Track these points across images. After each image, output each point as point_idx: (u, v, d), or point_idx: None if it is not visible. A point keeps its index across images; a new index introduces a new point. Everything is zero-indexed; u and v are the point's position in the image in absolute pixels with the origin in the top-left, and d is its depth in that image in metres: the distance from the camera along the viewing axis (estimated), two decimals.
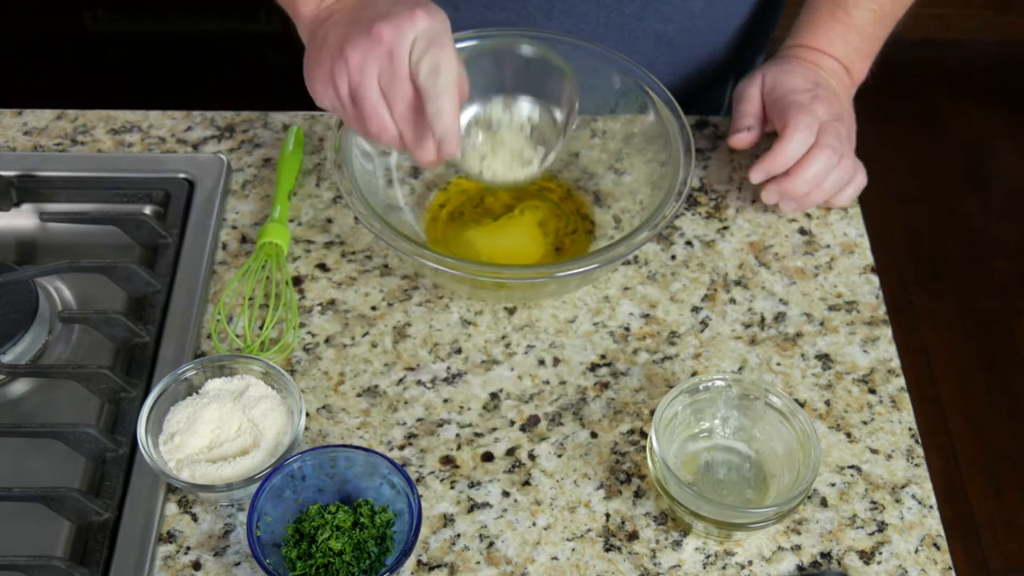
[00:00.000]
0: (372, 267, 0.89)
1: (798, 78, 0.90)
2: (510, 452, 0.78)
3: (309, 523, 0.71)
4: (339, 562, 0.70)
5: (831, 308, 0.87)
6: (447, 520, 0.75)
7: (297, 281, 0.88)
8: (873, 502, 0.77)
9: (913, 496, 0.77)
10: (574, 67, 0.84)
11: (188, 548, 0.73)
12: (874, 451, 0.79)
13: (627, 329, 0.85)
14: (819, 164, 0.86)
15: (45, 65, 2.30)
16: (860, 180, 0.90)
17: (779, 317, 0.86)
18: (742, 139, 0.92)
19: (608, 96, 0.90)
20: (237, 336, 0.83)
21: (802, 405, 0.81)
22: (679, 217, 0.93)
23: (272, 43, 1.14)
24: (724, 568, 0.73)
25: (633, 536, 0.75)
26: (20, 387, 0.82)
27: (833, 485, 0.77)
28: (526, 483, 0.77)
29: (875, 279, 0.89)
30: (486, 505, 0.76)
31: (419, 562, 0.73)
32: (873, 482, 0.77)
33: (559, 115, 0.84)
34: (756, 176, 0.87)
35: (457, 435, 0.79)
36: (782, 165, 0.86)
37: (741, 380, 0.75)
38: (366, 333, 0.85)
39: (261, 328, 0.83)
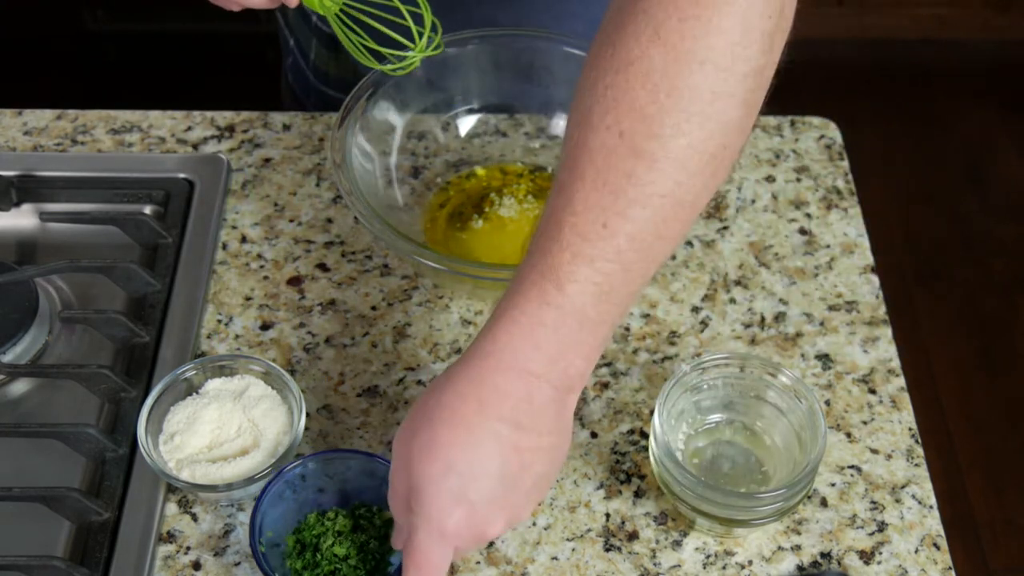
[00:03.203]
0: (372, 267, 0.89)
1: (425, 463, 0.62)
2: None
3: (309, 532, 0.71)
4: (346, 567, 0.70)
5: (831, 308, 0.87)
6: None
7: (297, 281, 0.88)
8: (873, 502, 0.77)
9: (913, 496, 0.77)
10: (574, 67, 0.84)
11: (188, 548, 0.73)
12: (874, 451, 0.79)
13: (627, 329, 0.85)
14: None
15: (45, 65, 2.30)
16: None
17: (779, 317, 0.86)
18: None
19: None
20: None
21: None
22: None
23: (272, 43, 1.14)
24: (724, 568, 0.73)
25: (633, 536, 0.75)
26: (20, 387, 0.82)
27: (833, 485, 0.77)
28: None
29: (875, 279, 0.89)
30: None
31: None
32: (873, 482, 0.77)
33: None
34: None
35: None
36: None
37: (746, 357, 0.75)
38: (366, 333, 0.85)
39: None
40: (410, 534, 0.62)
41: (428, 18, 0.80)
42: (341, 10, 0.80)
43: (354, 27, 0.80)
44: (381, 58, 0.82)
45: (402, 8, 0.78)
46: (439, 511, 0.60)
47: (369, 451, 0.75)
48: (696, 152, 0.58)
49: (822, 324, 0.86)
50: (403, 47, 0.81)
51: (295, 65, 1.11)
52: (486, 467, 0.60)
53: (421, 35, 0.80)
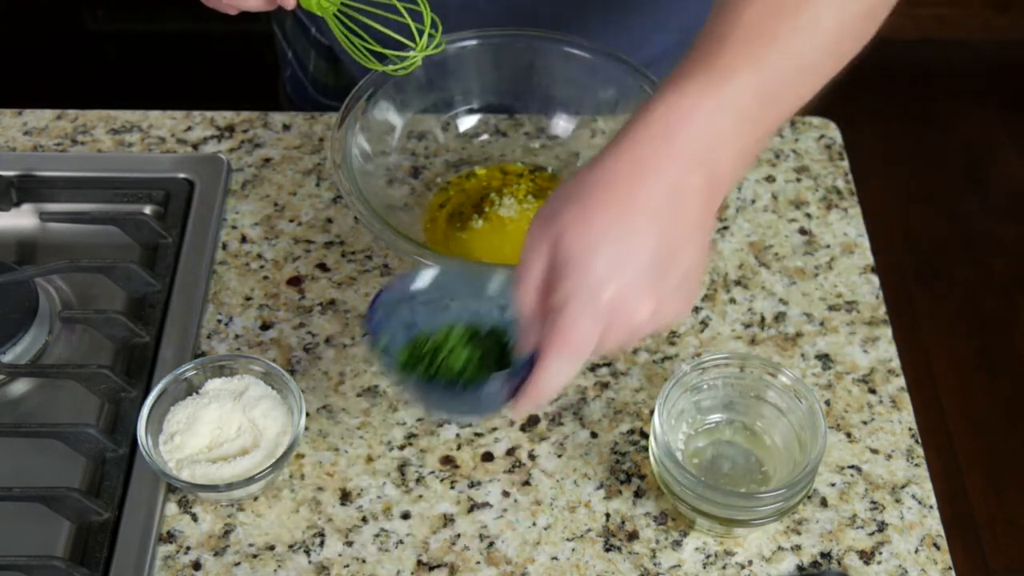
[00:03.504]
0: (372, 267, 0.89)
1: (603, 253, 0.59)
2: (510, 452, 0.78)
3: (422, 347, 0.68)
4: (466, 375, 0.67)
5: (831, 308, 0.87)
6: (447, 520, 0.75)
7: (297, 281, 0.88)
8: (873, 502, 0.77)
9: (913, 496, 0.77)
10: (574, 67, 0.84)
11: (188, 548, 0.73)
12: (874, 451, 0.79)
13: None
14: (552, 380, 0.62)
15: (45, 65, 2.30)
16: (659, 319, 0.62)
17: (779, 317, 0.86)
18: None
19: (608, 96, 0.90)
20: None
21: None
22: None
23: (272, 43, 1.14)
24: (724, 568, 0.73)
25: (633, 536, 0.75)
26: (20, 387, 0.82)
27: (833, 485, 0.77)
28: (526, 483, 0.77)
29: (875, 279, 0.89)
30: (486, 505, 0.76)
31: (419, 562, 0.73)
32: (873, 482, 0.77)
33: None
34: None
35: (457, 435, 0.79)
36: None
37: (746, 357, 0.75)
38: (366, 333, 0.85)
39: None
40: (556, 313, 0.59)
41: (428, 16, 0.79)
42: (339, 11, 0.79)
43: (355, 28, 0.80)
44: (382, 58, 0.82)
45: (400, 6, 0.78)
46: (595, 282, 0.58)
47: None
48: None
49: (822, 324, 0.86)
50: (403, 46, 0.81)
51: (293, 77, 1.11)
52: (639, 243, 0.58)
53: (421, 33, 0.79)
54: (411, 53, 0.80)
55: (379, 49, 0.81)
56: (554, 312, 0.59)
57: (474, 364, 0.68)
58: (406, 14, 0.78)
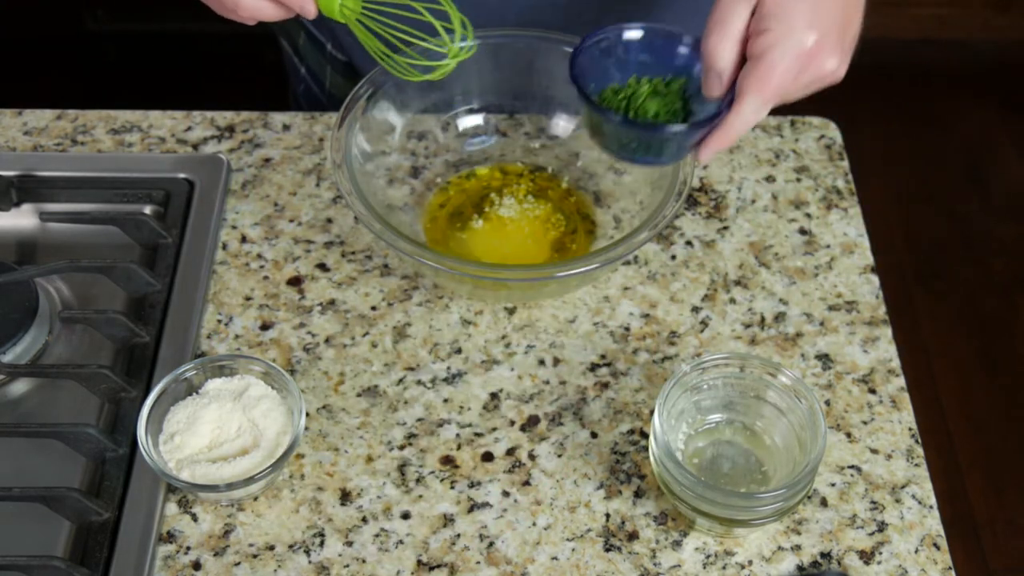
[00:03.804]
0: (372, 267, 0.89)
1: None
2: (510, 452, 0.78)
3: (614, 97, 0.75)
4: (661, 116, 0.74)
5: (831, 308, 0.87)
6: (447, 520, 0.75)
7: (297, 281, 0.88)
8: (873, 502, 0.77)
9: (913, 496, 0.77)
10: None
11: (188, 548, 0.74)
12: (874, 451, 0.79)
13: (627, 329, 0.85)
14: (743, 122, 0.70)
15: (45, 65, 2.30)
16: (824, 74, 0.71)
17: (779, 317, 0.86)
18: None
19: None
20: None
21: None
22: (679, 217, 0.93)
23: (272, 43, 1.15)
24: (724, 568, 0.73)
25: (633, 536, 0.75)
26: (20, 387, 0.82)
27: (833, 485, 0.77)
28: (526, 483, 0.77)
29: (875, 279, 0.89)
30: (486, 505, 0.76)
31: (419, 562, 0.73)
32: (873, 482, 0.77)
33: None
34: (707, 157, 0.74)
35: (457, 435, 0.79)
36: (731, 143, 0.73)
37: (746, 357, 0.75)
38: (366, 333, 0.85)
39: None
40: (758, 59, 0.67)
41: (457, 18, 0.77)
42: (361, 16, 0.77)
43: (380, 31, 0.77)
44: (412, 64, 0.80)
45: (419, 6, 0.75)
46: (799, 31, 0.67)
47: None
48: None
49: (822, 324, 0.86)
50: (429, 49, 0.78)
51: (308, 92, 1.11)
52: (831, 4, 0.68)
53: (449, 33, 0.77)
54: (444, 62, 0.78)
55: (415, 59, 0.79)
56: (755, 59, 0.68)
57: (663, 113, 0.74)
58: (426, 13, 0.76)
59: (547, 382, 0.82)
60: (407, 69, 0.80)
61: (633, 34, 0.76)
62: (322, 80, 1.08)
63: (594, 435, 0.80)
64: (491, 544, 0.74)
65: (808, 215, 0.93)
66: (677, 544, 0.74)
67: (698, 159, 0.73)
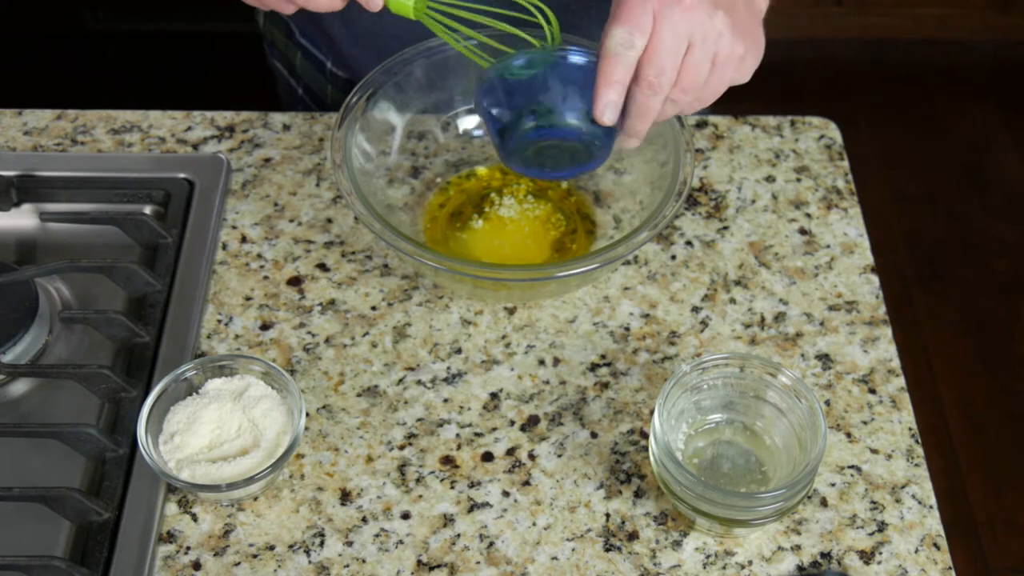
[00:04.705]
0: (372, 267, 0.89)
1: None
2: (510, 452, 0.78)
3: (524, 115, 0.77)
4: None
5: (831, 308, 0.87)
6: (447, 520, 0.75)
7: (297, 281, 0.88)
8: (873, 502, 0.77)
9: (913, 496, 0.77)
10: None
11: (188, 548, 0.74)
12: (874, 451, 0.79)
13: (627, 329, 0.85)
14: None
15: (45, 65, 2.30)
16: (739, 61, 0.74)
17: (779, 317, 0.86)
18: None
19: None
20: None
21: None
22: (679, 217, 0.93)
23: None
24: (724, 568, 0.73)
25: (633, 536, 0.75)
26: (20, 387, 0.82)
27: (833, 485, 0.77)
28: (526, 483, 0.77)
29: (875, 279, 0.89)
30: (486, 505, 0.76)
31: (419, 562, 0.73)
32: (873, 482, 0.78)
33: None
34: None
35: (457, 435, 0.79)
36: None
37: (746, 357, 0.75)
38: (366, 333, 0.85)
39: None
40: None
41: (545, 11, 0.77)
42: (427, 10, 0.76)
43: (452, 24, 0.77)
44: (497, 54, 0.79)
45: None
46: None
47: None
48: None
49: (822, 324, 0.86)
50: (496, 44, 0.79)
51: (308, 112, 1.11)
52: None
53: (529, 29, 0.77)
54: (534, 50, 0.78)
55: (499, 46, 0.79)
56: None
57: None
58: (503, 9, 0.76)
59: (547, 382, 0.82)
60: (475, 52, 0.79)
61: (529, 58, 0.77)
62: (323, 99, 1.08)
63: (594, 435, 0.80)
64: (491, 544, 0.74)
65: (808, 215, 0.93)
66: (677, 544, 0.74)
67: (627, 145, 0.75)
